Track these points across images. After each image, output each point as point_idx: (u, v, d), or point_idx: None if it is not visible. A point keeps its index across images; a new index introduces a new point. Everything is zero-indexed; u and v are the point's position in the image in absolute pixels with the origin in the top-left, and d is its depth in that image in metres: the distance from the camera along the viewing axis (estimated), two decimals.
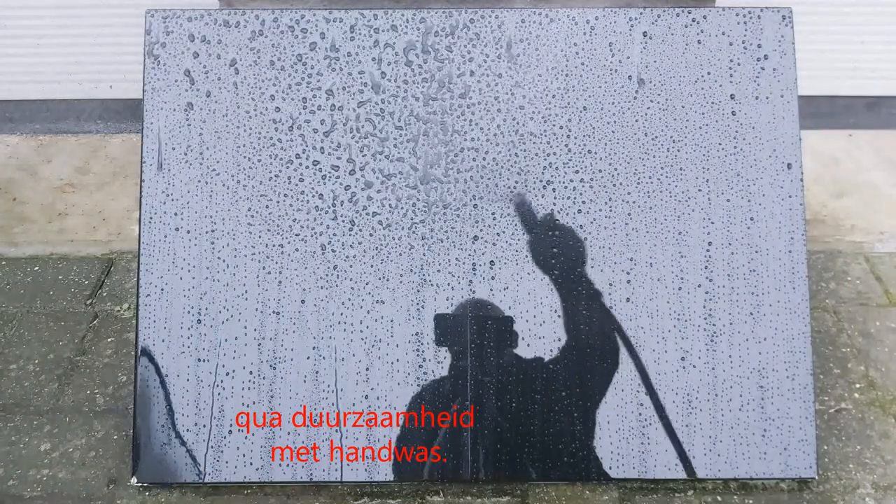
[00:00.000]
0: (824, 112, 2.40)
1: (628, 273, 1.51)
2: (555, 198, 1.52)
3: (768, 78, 1.54)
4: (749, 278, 1.51)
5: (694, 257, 1.51)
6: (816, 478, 1.48)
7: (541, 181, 1.52)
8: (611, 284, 1.50)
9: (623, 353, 1.49)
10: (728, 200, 1.52)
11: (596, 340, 1.49)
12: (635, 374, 1.49)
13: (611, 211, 1.52)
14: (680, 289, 1.51)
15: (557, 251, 1.51)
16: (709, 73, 1.54)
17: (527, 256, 1.51)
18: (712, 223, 1.52)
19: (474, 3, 1.65)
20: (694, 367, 1.49)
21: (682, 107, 1.54)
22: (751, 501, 1.47)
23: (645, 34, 1.55)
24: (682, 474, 1.47)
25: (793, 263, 1.51)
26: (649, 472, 1.47)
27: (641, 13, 1.55)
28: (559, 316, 1.50)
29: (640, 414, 1.48)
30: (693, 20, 1.55)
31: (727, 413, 1.48)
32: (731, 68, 1.54)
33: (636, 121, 1.54)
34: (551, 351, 1.49)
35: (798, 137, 1.53)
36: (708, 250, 1.51)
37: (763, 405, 1.48)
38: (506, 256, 1.51)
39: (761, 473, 1.47)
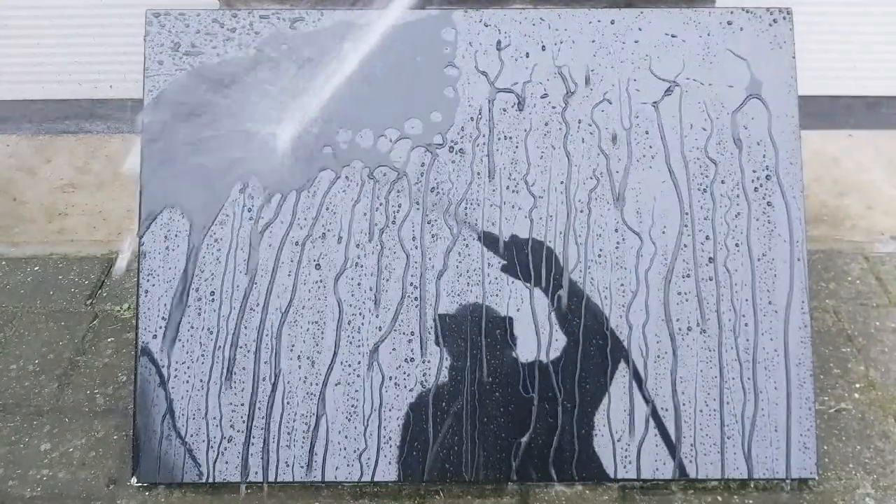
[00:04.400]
0: (824, 112, 2.40)
1: (622, 277, 1.51)
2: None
3: (768, 78, 1.54)
4: (749, 278, 1.51)
5: (694, 257, 1.51)
6: (816, 478, 1.48)
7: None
8: (607, 288, 1.50)
9: (622, 356, 1.49)
10: (727, 200, 1.52)
11: (596, 343, 1.49)
12: (631, 376, 1.49)
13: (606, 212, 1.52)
14: (679, 293, 1.51)
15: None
16: (712, 76, 1.54)
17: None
18: (713, 224, 1.52)
19: (474, 3, 1.65)
20: (694, 367, 1.49)
21: (679, 107, 1.54)
22: (751, 502, 1.47)
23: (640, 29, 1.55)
24: (682, 474, 1.47)
25: (792, 263, 1.51)
26: (649, 473, 1.47)
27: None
28: (556, 319, 1.50)
29: (640, 415, 1.48)
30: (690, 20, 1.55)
31: (727, 413, 1.48)
32: (730, 68, 1.54)
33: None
34: (552, 352, 1.49)
35: (798, 137, 1.53)
36: (708, 251, 1.51)
37: (763, 405, 1.48)
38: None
39: (761, 473, 1.47)
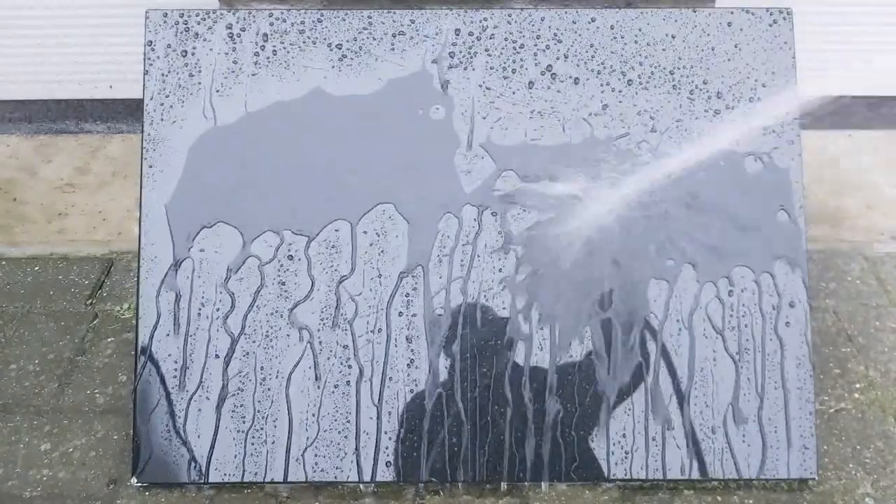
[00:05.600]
0: (824, 112, 2.39)
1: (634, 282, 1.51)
2: None
3: (768, 79, 1.54)
4: (749, 279, 1.51)
5: (693, 259, 1.51)
6: (816, 478, 1.48)
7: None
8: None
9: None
10: (728, 202, 1.52)
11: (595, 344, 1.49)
12: (631, 377, 1.49)
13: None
14: (676, 295, 1.51)
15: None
16: (712, 77, 1.54)
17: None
18: (714, 225, 1.52)
19: (474, 3, 1.65)
20: (694, 368, 1.49)
21: (680, 108, 1.54)
22: (751, 501, 1.47)
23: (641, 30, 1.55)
24: (682, 475, 1.47)
25: (793, 263, 1.51)
26: (648, 473, 1.47)
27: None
28: (567, 320, 1.50)
29: (639, 415, 1.48)
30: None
31: (727, 414, 1.48)
32: (730, 69, 1.54)
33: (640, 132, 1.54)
34: (549, 353, 1.49)
35: (799, 137, 1.53)
36: (709, 251, 1.51)
37: (763, 405, 1.48)
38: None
39: (761, 473, 1.47)
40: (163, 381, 1.49)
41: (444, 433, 1.48)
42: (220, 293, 1.51)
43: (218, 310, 1.50)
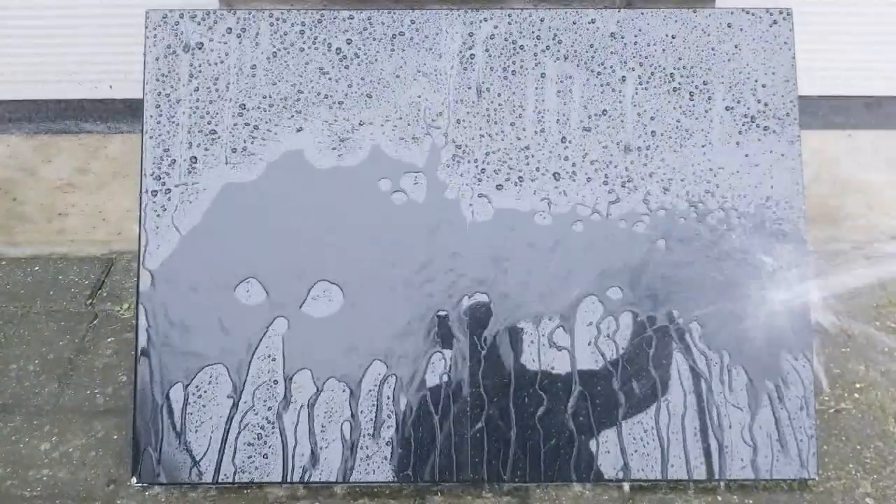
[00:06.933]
0: (824, 112, 2.39)
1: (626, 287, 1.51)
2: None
3: (768, 79, 1.54)
4: (749, 279, 1.51)
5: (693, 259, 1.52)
6: (816, 478, 1.48)
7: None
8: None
9: (620, 356, 1.49)
10: (730, 201, 1.52)
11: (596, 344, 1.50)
12: (632, 378, 1.49)
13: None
14: (674, 293, 1.51)
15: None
16: (712, 78, 1.55)
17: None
18: (715, 225, 1.52)
19: (474, 3, 1.65)
20: (695, 367, 1.49)
21: (680, 109, 1.54)
22: (751, 502, 1.47)
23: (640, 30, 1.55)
24: (682, 475, 1.47)
25: (793, 263, 1.51)
26: (650, 473, 1.47)
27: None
28: (557, 321, 1.50)
29: (640, 415, 1.48)
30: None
31: (726, 414, 1.48)
32: (730, 69, 1.54)
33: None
34: (553, 353, 1.49)
35: (798, 137, 1.53)
36: (710, 251, 1.51)
37: (763, 406, 1.48)
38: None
39: (761, 474, 1.47)
40: (162, 381, 1.49)
41: (444, 433, 1.48)
42: (222, 293, 1.50)
43: (220, 310, 1.50)
